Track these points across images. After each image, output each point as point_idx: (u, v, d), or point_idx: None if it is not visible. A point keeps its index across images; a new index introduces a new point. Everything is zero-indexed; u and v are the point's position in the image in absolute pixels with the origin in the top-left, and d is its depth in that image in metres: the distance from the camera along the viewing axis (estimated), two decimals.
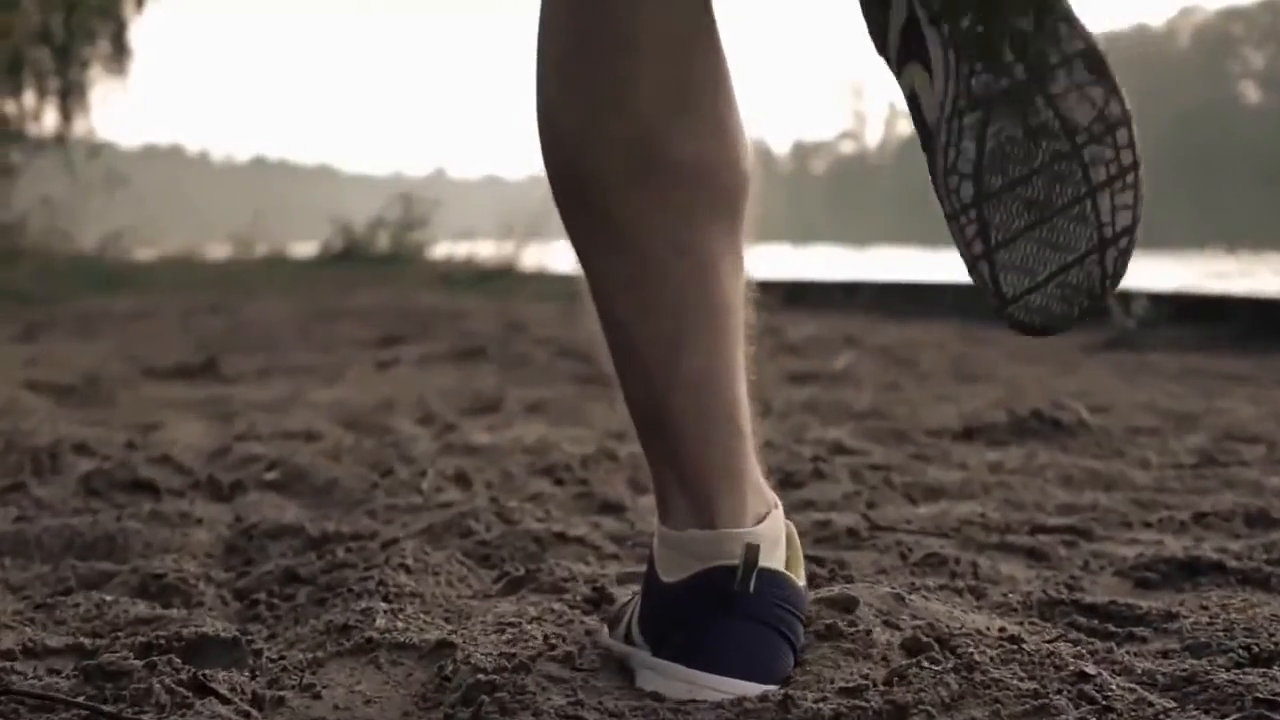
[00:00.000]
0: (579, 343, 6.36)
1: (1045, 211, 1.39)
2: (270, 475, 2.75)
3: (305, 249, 18.74)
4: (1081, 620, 1.79)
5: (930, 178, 1.44)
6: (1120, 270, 1.41)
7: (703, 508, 1.55)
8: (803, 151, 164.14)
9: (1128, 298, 7.22)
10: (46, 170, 20.52)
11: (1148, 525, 2.42)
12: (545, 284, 11.89)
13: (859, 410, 4.03)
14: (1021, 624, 1.74)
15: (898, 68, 1.47)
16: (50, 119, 23.46)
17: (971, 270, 1.42)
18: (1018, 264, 1.40)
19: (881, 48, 1.48)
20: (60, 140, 23.08)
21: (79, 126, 23.50)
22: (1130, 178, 1.39)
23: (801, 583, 1.59)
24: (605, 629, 1.71)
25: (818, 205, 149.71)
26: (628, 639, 1.63)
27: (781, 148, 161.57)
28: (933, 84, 1.42)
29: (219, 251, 19.45)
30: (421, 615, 1.77)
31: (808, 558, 1.85)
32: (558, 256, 15.56)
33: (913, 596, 1.73)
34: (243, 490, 2.74)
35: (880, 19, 1.46)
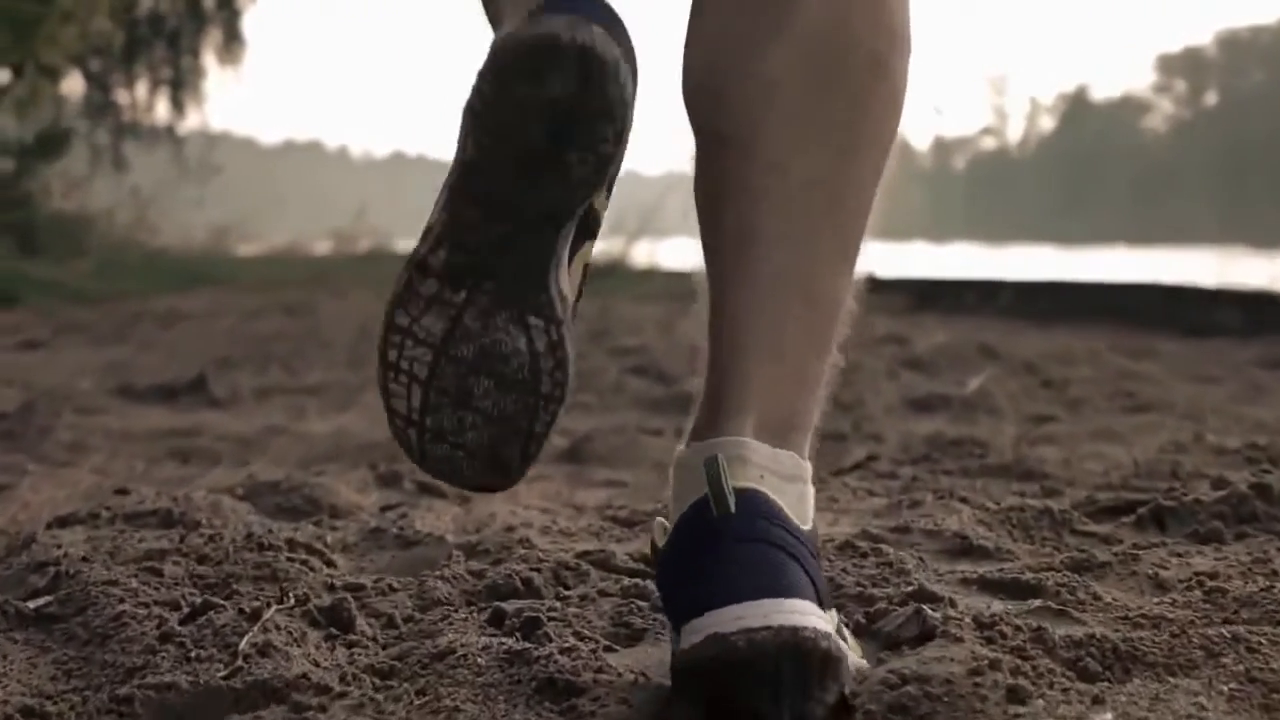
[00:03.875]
0: (660, 355, 5.36)
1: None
2: (40, 603, 1.70)
3: (412, 244, 18.01)
4: None
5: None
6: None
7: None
8: (943, 147, 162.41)
9: None
10: (159, 163, 20.01)
11: None
12: (653, 283, 11.08)
13: (995, 463, 2.95)
14: None
15: None
16: (163, 110, 23.00)
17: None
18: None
19: None
20: (170, 132, 22.59)
21: (192, 118, 23.04)
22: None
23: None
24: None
25: (957, 202, 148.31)
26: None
27: (922, 143, 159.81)
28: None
29: (324, 247, 18.81)
30: None
31: None
32: (670, 254, 14.67)
33: None
34: None
35: None
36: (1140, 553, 1.90)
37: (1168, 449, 3.27)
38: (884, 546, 1.78)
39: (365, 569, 1.87)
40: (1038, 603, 1.66)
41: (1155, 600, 1.71)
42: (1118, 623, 1.61)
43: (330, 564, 1.85)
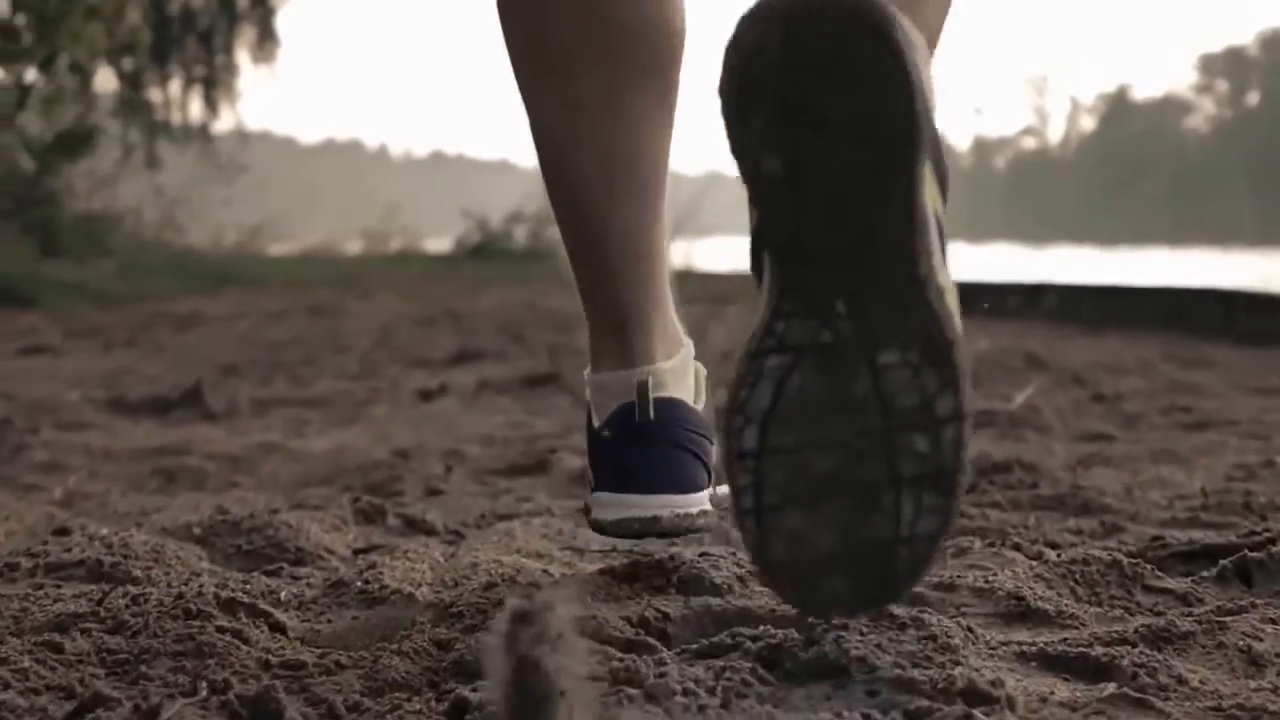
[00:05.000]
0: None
1: (833, 488, 1.24)
2: None
3: (444, 244, 17.84)
4: None
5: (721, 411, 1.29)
6: (914, 577, 1.27)
7: (621, 349, 1.73)
8: (983, 147, 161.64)
9: None
10: (189, 162, 19.87)
11: None
12: (686, 284, 10.72)
13: (1049, 494, 2.66)
14: None
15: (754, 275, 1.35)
16: (196, 108, 22.86)
17: (738, 523, 1.29)
18: (789, 533, 1.26)
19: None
20: (204, 130, 22.45)
21: (226, 116, 22.92)
22: (947, 483, 1.22)
23: (701, 407, 1.76)
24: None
25: (996, 202, 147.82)
26: (590, 483, 1.75)
27: (962, 143, 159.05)
28: (759, 298, 1.31)
29: (355, 247, 18.64)
30: None
31: None
32: (707, 254, 14.39)
33: None
34: None
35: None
36: (1227, 619, 1.61)
37: (1236, 475, 2.98)
38: (926, 613, 1.50)
39: (316, 636, 1.59)
40: (1111, 688, 1.38)
41: (1252, 684, 1.43)
42: (1209, 715, 1.33)
43: (277, 628, 1.58)
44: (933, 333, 1.27)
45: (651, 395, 1.68)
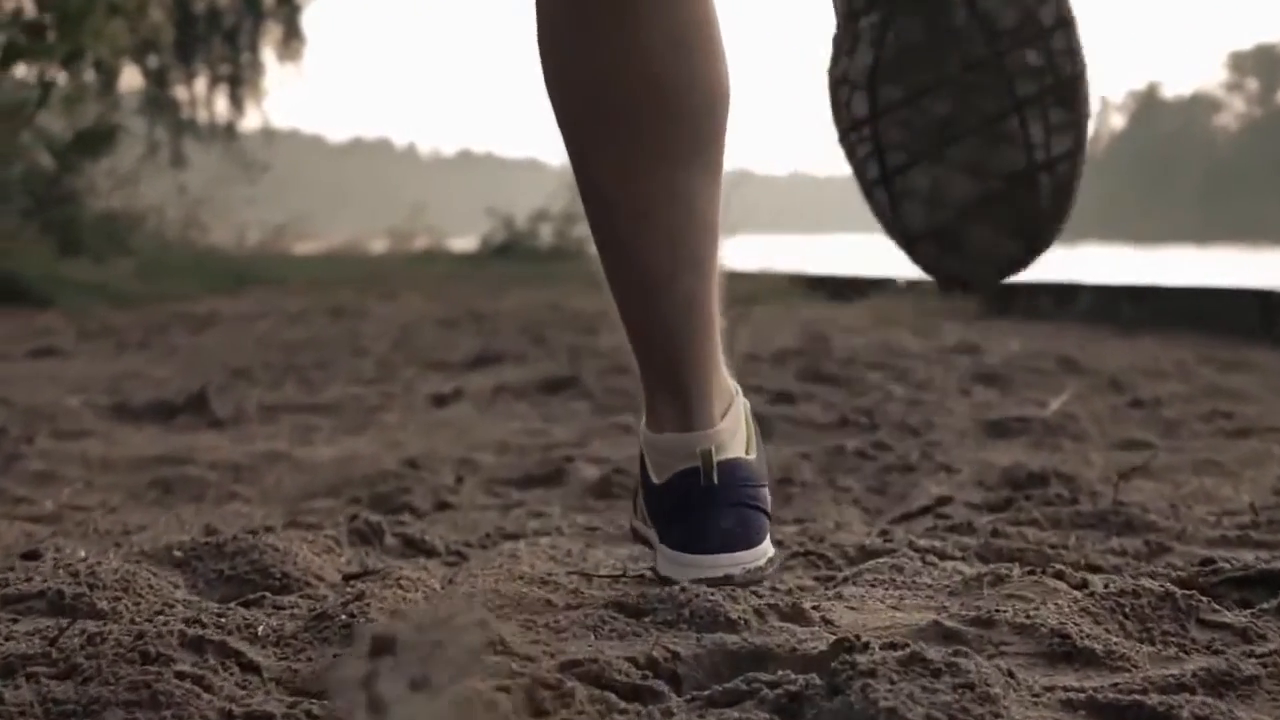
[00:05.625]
0: None
1: (955, 130, 1.19)
2: None
3: (469, 243, 17.70)
4: None
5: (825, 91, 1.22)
6: (1062, 205, 1.20)
7: (681, 413, 1.73)
8: None
9: None
10: (213, 161, 19.81)
11: None
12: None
13: (1089, 510, 2.51)
14: None
15: None
16: (221, 106, 22.80)
17: (867, 198, 1.28)
18: (922, 191, 1.22)
19: None
20: (230, 129, 22.38)
21: (252, 115, 22.88)
22: (1069, 92, 1.16)
23: (754, 455, 1.78)
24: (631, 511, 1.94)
25: None
26: (645, 522, 1.84)
27: None
28: None
29: (380, 246, 18.53)
30: None
31: None
32: (736, 253, 14.23)
33: None
34: None
35: None
36: None
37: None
38: (962, 656, 1.35)
39: (293, 677, 1.45)
40: None
41: None
42: None
43: (249, 669, 1.43)
44: None
45: (716, 461, 1.72)
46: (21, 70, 12.62)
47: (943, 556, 2.08)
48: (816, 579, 1.99)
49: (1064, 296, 8.49)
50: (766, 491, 1.80)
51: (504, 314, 8.31)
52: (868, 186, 1.24)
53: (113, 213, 12.93)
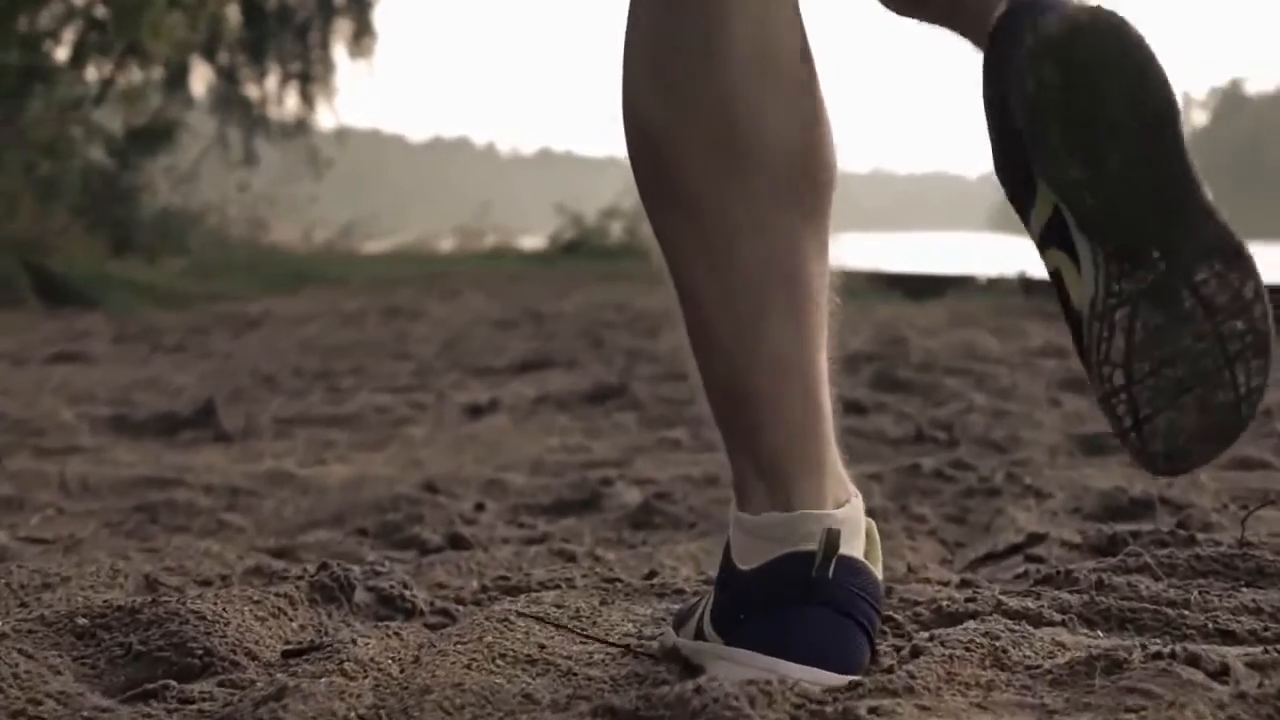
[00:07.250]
0: None
1: (1186, 385, 1.45)
2: None
3: (539, 241, 17.40)
4: None
5: (1080, 357, 1.50)
6: (1251, 416, 1.48)
7: (780, 490, 1.54)
8: None
9: None
10: (277, 160, 19.63)
11: None
12: None
13: (1211, 554, 2.07)
14: None
15: (1039, 245, 1.50)
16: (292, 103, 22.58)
17: (1123, 441, 1.48)
18: (1163, 431, 1.45)
19: (1016, 208, 1.52)
20: (302, 126, 22.17)
21: (323, 112, 22.69)
22: (1264, 345, 1.46)
23: (879, 576, 1.56)
24: (670, 630, 1.64)
25: None
26: (698, 635, 1.58)
27: None
28: (1080, 278, 1.47)
29: (448, 245, 18.26)
30: None
31: None
32: None
33: None
34: None
35: (1023, 198, 1.50)
36: None
37: None
38: None
39: None
40: None
41: None
42: None
43: None
44: (1226, 240, 1.45)
45: (840, 549, 1.49)
46: (92, 72, 12.39)
47: (1039, 622, 1.67)
48: (882, 649, 1.59)
49: None
50: (879, 619, 1.56)
51: (564, 315, 7.94)
52: (1124, 432, 1.47)
53: (170, 210, 12.66)
